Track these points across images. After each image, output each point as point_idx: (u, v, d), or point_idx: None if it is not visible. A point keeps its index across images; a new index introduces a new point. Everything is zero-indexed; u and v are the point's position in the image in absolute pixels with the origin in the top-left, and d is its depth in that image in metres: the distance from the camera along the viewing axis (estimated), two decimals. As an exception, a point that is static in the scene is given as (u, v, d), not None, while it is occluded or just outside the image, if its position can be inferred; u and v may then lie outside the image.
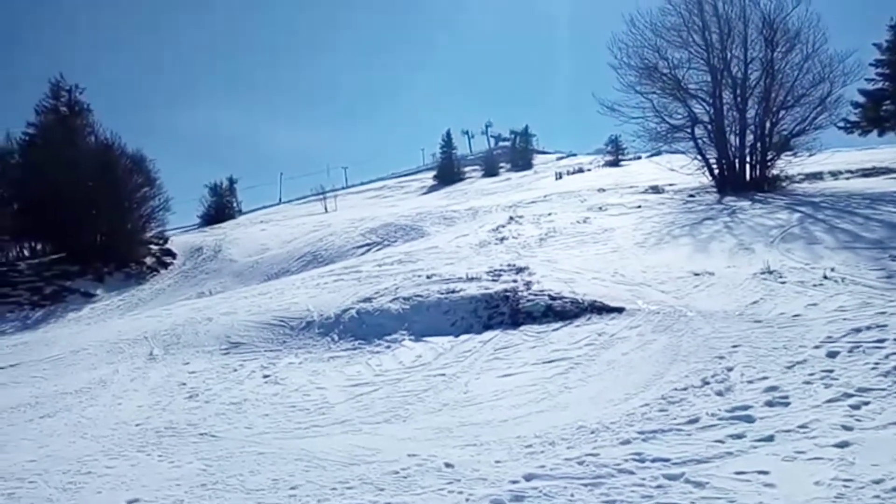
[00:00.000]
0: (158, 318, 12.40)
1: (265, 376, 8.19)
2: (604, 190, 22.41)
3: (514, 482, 4.40)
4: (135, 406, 7.68)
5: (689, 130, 20.08)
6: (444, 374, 7.27)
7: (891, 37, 22.37)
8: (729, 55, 19.46)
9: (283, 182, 66.56)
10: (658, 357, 6.64)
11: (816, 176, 19.90)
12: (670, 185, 20.97)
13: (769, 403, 5.10)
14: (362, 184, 51.99)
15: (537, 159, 50.96)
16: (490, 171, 46.63)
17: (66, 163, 23.76)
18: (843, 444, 4.26)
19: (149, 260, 24.17)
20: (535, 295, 9.12)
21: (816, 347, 6.09)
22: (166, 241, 26.43)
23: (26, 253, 26.56)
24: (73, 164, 23.94)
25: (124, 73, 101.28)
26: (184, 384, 8.30)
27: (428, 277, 10.81)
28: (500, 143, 58.24)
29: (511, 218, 16.88)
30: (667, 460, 4.42)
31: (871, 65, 21.99)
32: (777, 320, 7.13)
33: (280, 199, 51.83)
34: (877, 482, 3.75)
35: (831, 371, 5.51)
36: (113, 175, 25.02)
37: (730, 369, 5.93)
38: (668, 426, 5.00)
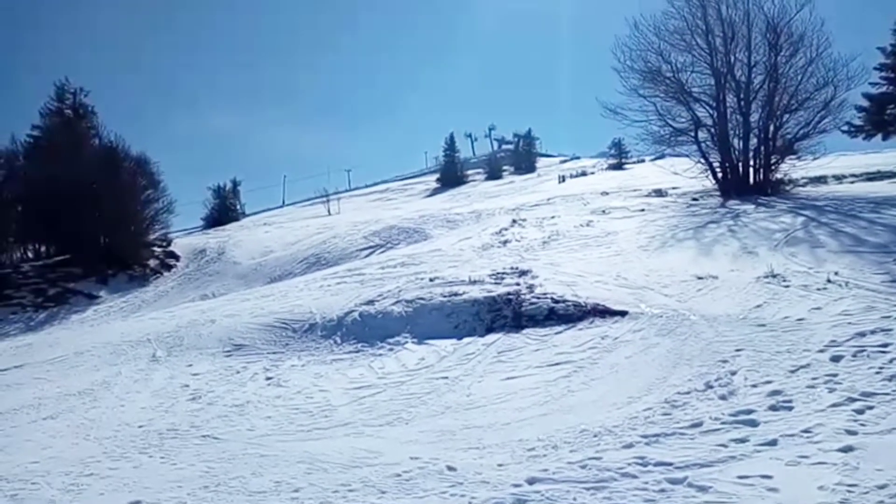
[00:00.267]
0: (161, 321, 12.41)
1: (268, 378, 8.19)
2: (607, 193, 22.39)
3: (517, 486, 4.39)
4: (137, 408, 7.69)
5: (692, 134, 20.06)
6: (446, 377, 7.26)
7: (895, 41, 22.31)
8: (732, 59, 19.43)
9: (287, 184, 66.71)
10: (661, 361, 6.62)
11: (820, 180, 19.84)
12: (674, 188, 20.94)
13: (773, 407, 5.09)
14: (366, 186, 52.01)
15: (540, 162, 50.92)
16: (493, 175, 46.58)
17: (70, 165, 23.84)
18: (847, 449, 4.25)
19: (152, 262, 24.23)
20: (538, 298, 9.11)
21: (820, 351, 6.08)
22: (170, 243, 26.48)
23: (30, 255, 26.66)
24: (77, 167, 24.02)
25: (129, 75, 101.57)
26: (186, 386, 8.30)
27: (431, 280, 10.80)
28: (504, 147, 58.19)
29: (514, 221, 16.86)
30: (670, 464, 4.41)
31: (875, 69, 21.92)
32: (781, 324, 7.11)
33: (283, 202, 51.86)
34: (881, 487, 3.74)
35: (835, 375, 5.49)
36: (117, 177, 25.12)
37: (733, 373, 5.91)
38: (672, 430, 4.99)
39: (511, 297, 9.33)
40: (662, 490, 4.09)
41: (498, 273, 10.70)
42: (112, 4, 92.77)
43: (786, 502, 3.76)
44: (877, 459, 4.06)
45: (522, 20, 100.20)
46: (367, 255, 19.35)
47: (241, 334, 10.03)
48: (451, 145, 49.32)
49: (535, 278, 10.08)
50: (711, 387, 5.71)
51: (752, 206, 15.84)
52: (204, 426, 6.71)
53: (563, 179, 35.94)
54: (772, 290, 8.53)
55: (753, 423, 4.88)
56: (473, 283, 10.25)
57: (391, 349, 8.57)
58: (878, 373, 5.39)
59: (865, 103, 22.24)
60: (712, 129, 19.92)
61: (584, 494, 4.16)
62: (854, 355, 5.85)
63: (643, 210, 16.85)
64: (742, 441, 4.62)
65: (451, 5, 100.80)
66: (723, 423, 4.97)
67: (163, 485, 5.22)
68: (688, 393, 5.68)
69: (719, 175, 19.80)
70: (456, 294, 9.78)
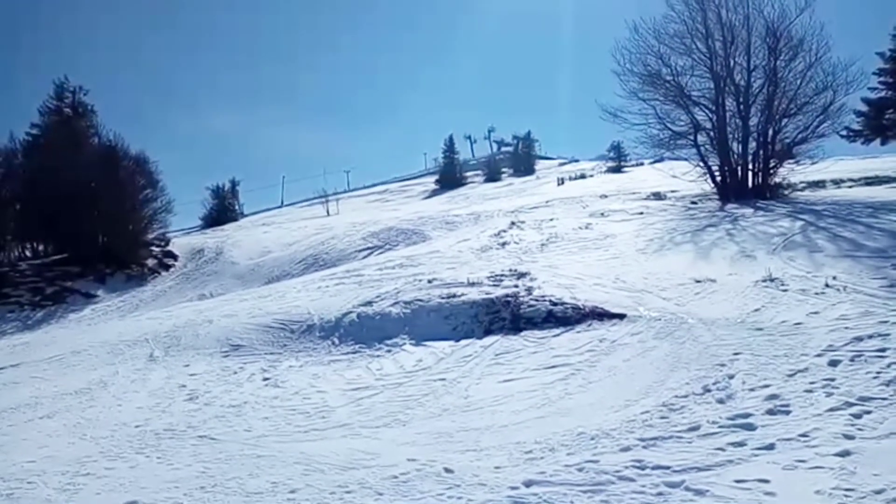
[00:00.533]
0: (159, 320, 12.40)
1: (265, 379, 8.19)
2: (606, 196, 22.39)
3: (514, 488, 4.39)
4: (134, 408, 7.68)
5: (691, 137, 20.06)
6: (444, 379, 7.26)
7: (894, 46, 22.37)
8: (732, 63, 19.44)
9: (286, 185, 66.74)
10: (659, 364, 6.62)
11: (819, 184, 19.87)
12: (672, 191, 20.96)
13: (770, 412, 5.09)
14: (364, 187, 52.02)
15: (539, 165, 50.96)
16: (492, 176, 46.63)
17: (69, 164, 23.85)
18: (844, 454, 4.25)
19: (150, 261, 24.22)
20: (537, 300, 9.11)
21: (818, 356, 6.08)
22: (168, 242, 26.47)
23: (28, 253, 26.64)
24: (76, 166, 24.02)
25: (128, 74, 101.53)
26: (184, 386, 8.30)
27: (429, 282, 10.80)
28: (503, 149, 58.22)
29: (513, 223, 16.86)
30: (667, 468, 4.40)
31: (874, 73, 21.99)
32: (779, 328, 7.11)
33: (282, 202, 51.85)
34: (878, 492, 3.74)
35: (833, 380, 5.49)
36: (116, 176, 25.11)
37: (731, 377, 5.91)
38: (669, 433, 4.99)
39: (509, 299, 9.33)
40: (660, 493, 4.08)
41: (496, 275, 10.70)
42: (110, 3, 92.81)
43: (783, 507, 3.76)
44: (874, 464, 4.06)
45: (522, 21, 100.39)
46: (365, 257, 19.35)
47: (238, 335, 10.02)
48: (450, 147, 49.39)
49: (533, 280, 10.09)
50: (709, 390, 5.71)
51: (751, 210, 15.85)
52: (201, 426, 6.70)
53: (561, 182, 35.97)
54: (770, 294, 8.53)
55: (751, 427, 4.87)
56: (472, 284, 10.25)
57: (389, 350, 8.57)
58: (875, 377, 5.39)
59: (864, 108, 22.31)
60: (711, 133, 19.93)
61: (580, 497, 4.16)
62: (852, 360, 5.85)
63: (642, 213, 16.86)
64: (739, 445, 4.62)
65: (451, 6, 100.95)
66: (720, 426, 4.96)
67: (159, 485, 5.21)
68: (685, 396, 5.68)
69: (718, 179, 19.81)
70: (454, 296, 9.78)
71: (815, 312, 7.49)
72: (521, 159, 51.79)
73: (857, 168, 23.26)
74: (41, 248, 26.35)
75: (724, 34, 19.32)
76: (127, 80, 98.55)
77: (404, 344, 8.69)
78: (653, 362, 6.72)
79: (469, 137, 59.94)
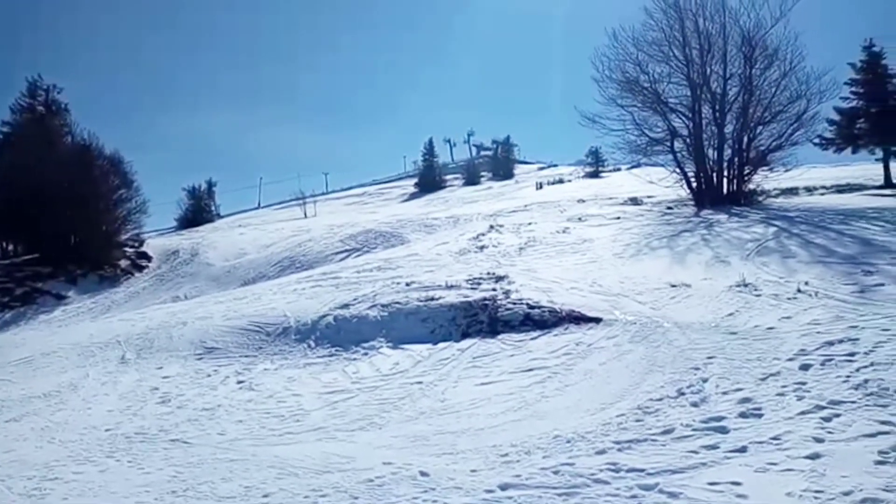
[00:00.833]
0: (131, 322, 12.21)
1: (239, 382, 8.09)
2: (583, 201, 22.55)
3: (490, 491, 4.39)
4: (105, 411, 7.55)
5: (668, 144, 20.30)
6: (421, 382, 7.24)
7: (865, 57, 22.82)
8: (708, 70, 19.73)
9: (263, 186, 66.20)
10: (634, 367, 6.67)
11: (792, 191, 20.21)
12: (649, 197, 21.16)
13: (743, 415, 5.15)
14: (343, 190, 51.81)
15: (518, 169, 51.16)
16: (471, 180, 46.72)
17: (41, 163, 23.41)
18: (814, 456, 4.31)
19: (123, 262, 23.85)
20: (514, 304, 9.13)
21: (790, 360, 6.17)
22: (142, 243, 26.08)
23: (-3, 253, 26.08)
24: (48, 164, 23.58)
25: (103, 73, 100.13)
26: (156, 389, 8.17)
27: (407, 285, 10.77)
28: (482, 153, 58.38)
29: (491, 227, 16.90)
30: (641, 470, 4.43)
31: (845, 83, 22.41)
32: (752, 332, 7.21)
33: (259, 204, 51.44)
34: (846, 494, 3.80)
35: (804, 383, 5.57)
36: (89, 176, 24.70)
37: (705, 380, 5.97)
38: (644, 436, 5.02)
39: (487, 302, 9.34)
40: (634, 496, 4.11)
41: (474, 278, 10.70)
42: (87, 1, 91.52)
43: (754, 509, 3.80)
44: (843, 466, 4.12)
45: (503, 28, 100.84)
46: (342, 259, 19.24)
47: (213, 337, 9.90)
48: (429, 150, 49.41)
49: (511, 284, 10.11)
50: (683, 394, 5.76)
51: (726, 216, 16.06)
52: (173, 430, 6.60)
53: (540, 186, 36.16)
54: (743, 298, 8.64)
55: (724, 430, 4.92)
56: (450, 288, 10.24)
57: (366, 354, 8.52)
58: (845, 381, 5.48)
59: (836, 117, 22.72)
60: (688, 140, 20.18)
61: (556, 500, 4.16)
62: (822, 364, 5.94)
63: (619, 218, 17.00)
64: (712, 448, 4.66)
65: (437, 14, 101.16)
66: (694, 429, 5.01)
67: (129, 489, 5.13)
68: (660, 399, 5.72)
69: (694, 185, 20.06)
70: (432, 299, 9.76)
71: (788, 317, 7.60)
72: (500, 163, 51.95)
73: (829, 176, 23.74)
74: (11, 247, 25.82)
75: (700, 42, 19.60)
76: (102, 78, 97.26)
77: (381, 347, 8.65)
78: (628, 366, 6.76)
79: (448, 141, 60.05)
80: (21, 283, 21.23)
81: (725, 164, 19.85)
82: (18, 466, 5.83)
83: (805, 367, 5.92)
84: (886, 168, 22.00)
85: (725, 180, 19.83)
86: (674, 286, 9.61)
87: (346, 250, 20.80)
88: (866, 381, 5.39)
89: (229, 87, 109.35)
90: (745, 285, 9.15)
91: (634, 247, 13.06)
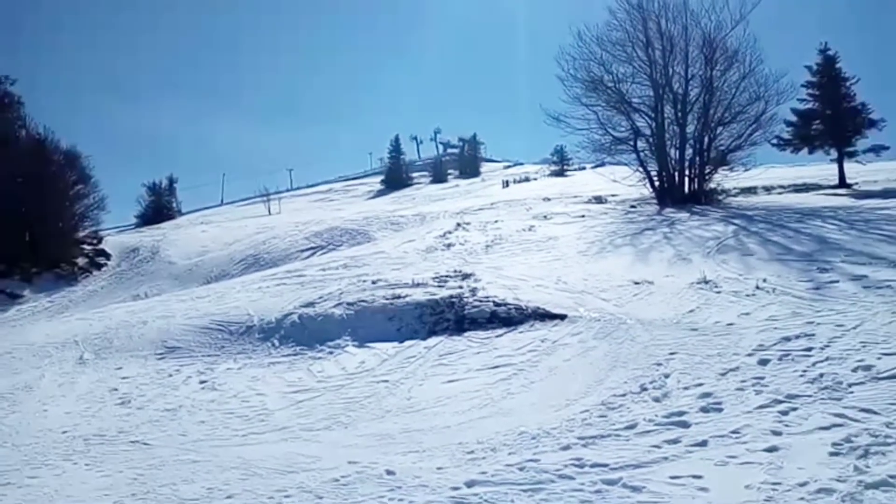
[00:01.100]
0: (90, 322, 11.91)
1: (202, 382, 7.96)
2: (549, 199, 22.73)
3: (456, 489, 4.39)
4: (62, 412, 7.35)
5: (631, 143, 20.59)
6: (387, 381, 7.21)
7: (821, 60, 23.48)
8: (671, 71, 20.06)
9: (226, 183, 65.17)
10: (599, 363, 6.75)
11: (751, 190, 20.68)
12: (613, 195, 21.44)
13: (704, 409, 5.25)
14: (308, 186, 51.41)
15: (485, 167, 51.44)
16: (438, 178, 46.84)
17: (-7, 157, 22.62)
18: (772, 449, 4.41)
19: (81, 260, 23.20)
20: (481, 301, 9.16)
21: (749, 355, 6.30)
22: (100, 241, 25.42)
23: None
24: (1, 160, 22.80)
25: (58, 67, 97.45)
26: (115, 390, 7.99)
27: (373, 282, 10.72)
28: (449, 150, 58.53)
29: (458, 224, 16.92)
30: (605, 465, 4.48)
31: (802, 86, 23.05)
32: (712, 328, 7.35)
33: (222, 201, 50.76)
34: (802, 485, 3.90)
35: (762, 378, 5.70)
36: (45, 171, 23.94)
37: (667, 376, 6.07)
38: (608, 432, 5.08)
39: (454, 300, 9.35)
40: (598, 491, 4.15)
41: (441, 276, 10.70)
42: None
43: (715, 501, 3.88)
44: (799, 459, 4.23)
45: (470, 26, 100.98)
46: (308, 257, 19.06)
47: (174, 336, 9.72)
48: (396, 147, 49.40)
49: (477, 282, 10.14)
50: (646, 389, 5.85)
51: (687, 215, 16.35)
52: (133, 431, 6.47)
53: (506, 184, 36.40)
54: (704, 295, 8.81)
55: (685, 425, 5.01)
56: (416, 285, 10.23)
57: (331, 352, 8.45)
58: (801, 375, 5.63)
59: (793, 118, 23.32)
60: (650, 139, 20.50)
61: (521, 496, 4.19)
62: (780, 359, 6.09)
63: (583, 216, 17.17)
64: (674, 442, 4.75)
65: (400, 8, 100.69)
66: (656, 424, 5.09)
67: (88, 493, 5.01)
68: (623, 395, 5.80)
69: (656, 183, 20.38)
70: (399, 297, 9.73)
71: (747, 313, 7.78)
72: (466, 161, 52.16)
73: (786, 175, 24.38)
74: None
75: (663, 43, 19.91)
76: (59, 72, 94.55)
77: (347, 345, 8.59)
78: (592, 362, 6.84)
79: (415, 138, 60.12)
80: (-28, 281, 20.51)
81: (687, 164, 20.22)
82: (-31, 471, 5.63)
83: (763, 363, 6.06)
84: (841, 168, 22.68)
85: (687, 179, 20.20)
86: (637, 283, 9.74)
87: (312, 248, 20.62)
88: (822, 375, 5.54)
89: (190, 84, 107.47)
90: (706, 282, 9.33)
91: (599, 244, 13.22)
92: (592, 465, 4.50)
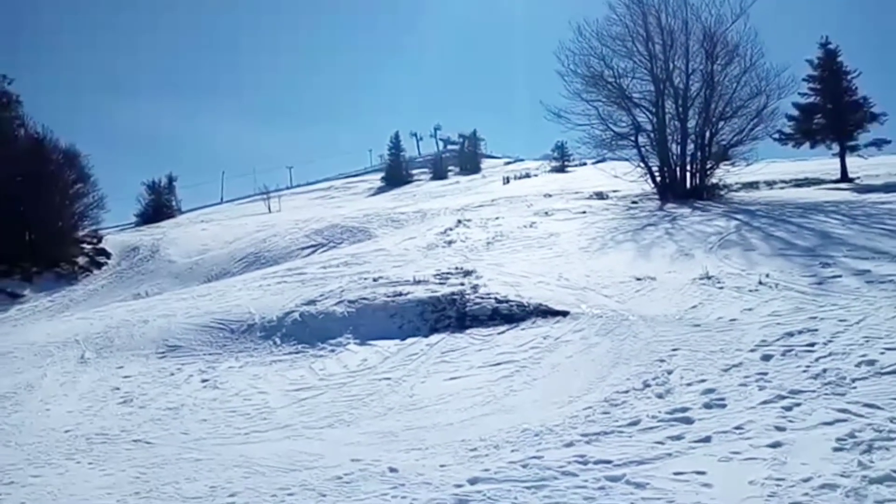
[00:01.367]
0: (91, 321, 11.90)
1: (204, 380, 7.95)
2: (550, 195, 22.69)
3: (459, 486, 4.38)
4: (64, 412, 7.34)
5: (632, 138, 20.55)
6: (389, 378, 7.20)
7: (822, 54, 23.42)
8: (671, 66, 20.00)
9: (226, 181, 65.05)
10: (601, 360, 6.74)
11: (753, 185, 20.65)
12: (614, 191, 21.41)
13: (707, 405, 5.23)
14: (308, 184, 51.32)
15: (485, 163, 51.31)
16: (438, 175, 46.70)
17: (-8, 157, 22.59)
18: (776, 445, 4.40)
19: (81, 260, 23.18)
20: (482, 298, 9.15)
21: (752, 351, 6.29)
22: (100, 240, 25.39)
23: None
24: (0, 159, 22.76)
25: (66, 65, 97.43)
26: (117, 389, 7.99)
27: (375, 280, 10.71)
28: (449, 147, 58.39)
29: (459, 221, 16.90)
30: (608, 462, 4.47)
31: (803, 80, 22.98)
32: (715, 324, 7.34)
33: (222, 199, 50.70)
34: (806, 480, 3.89)
35: (765, 374, 5.69)
36: (44, 170, 23.90)
37: (669, 372, 6.06)
38: (611, 428, 5.07)
39: (455, 297, 9.33)
40: (601, 488, 4.14)
41: (442, 273, 10.69)
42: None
43: (719, 497, 3.86)
44: (803, 454, 4.22)
45: (471, 22, 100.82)
46: (308, 255, 19.05)
47: (175, 335, 9.71)
48: (396, 144, 49.21)
49: (479, 278, 10.12)
50: (649, 385, 5.83)
51: (689, 210, 16.32)
52: (135, 430, 6.46)
53: (507, 181, 36.31)
54: (706, 291, 8.79)
55: (689, 421, 5.00)
56: (418, 283, 10.21)
57: (333, 350, 8.45)
58: (805, 371, 5.62)
59: (795, 112, 23.27)
60: (651, 135, 20.46)
61: (524, 493, 4.18)
62: (783, 354, 6.08)
63: (584, 212, 17.15)
64: (678, 438, 4.73)
65: (401, 6, 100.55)
66: (660, 420, 5.07)
67: (90, 492, 5.00)
68: (626, 392, 5.79)
69: (658, 179, 20.34)
70: (400, 294, 9.71)
71: (749, 309, 7.76)
72: (467, 158, 52.03)
73: (788, 170, 24.31)
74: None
75: (663, 38, 19.85)
76: (59, 71, 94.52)
77: (349, 343, 8.58)
78: (595, 359, 6.83)
79: (415, 135, 59.99)
80: (-27, 281, 20.50)
81: (688, 159, 20.18)
82: (-28, 471, 5.63)
83: (766, 358, 6.05)
84: (842, 162, 22.63)
85: (688, 175, 20.17)
86: (639, 279, 9.73)
87: (312, 246, 20.59)
88: (825, 370, 5.53)
89: (189, 83, 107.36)
90: (709, 278, 9.31)
91: (600, 241, 13.20)
92: (596, 462, 4.49)
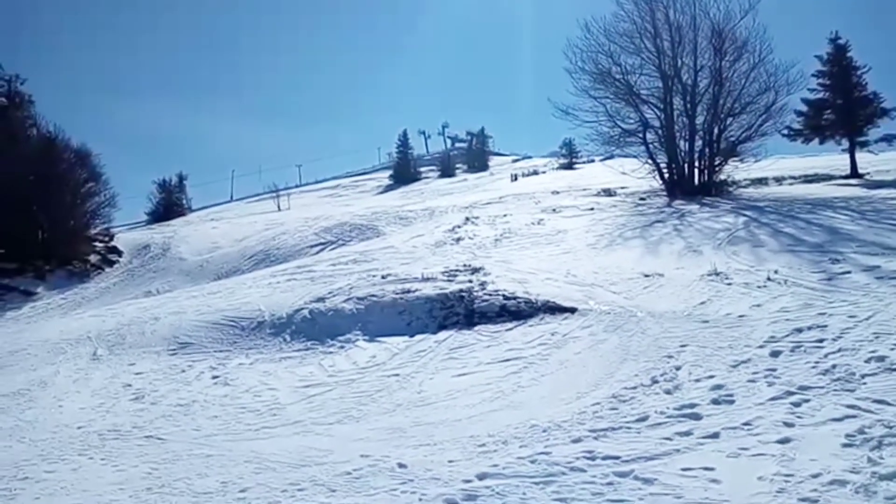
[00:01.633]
0: (103, 318, 12.01)
1: (214, 377, 8.02)
2: (558, 192, 22.67)
3: (468, 481, 4.40)
4: (77, 408, 7.42)
5: (640, 135, 20.50)
6: (398, 375, 7.24)
7: (831, 49, 23.25)
8: (679, 62, 19.94)
9: (235, 180, 65.29)
10: (609, 356, 6.74)
11: (761, 181, 20.54)
12: (622, 188, 21.36)
13: (715, 401, 5.23)
14: (316, 182, 51.45)
15: (493, 161, 51.29)
16: (446, 172, 46.71)
17: (5, 156, 22.78)
18: (784, 441, 4.40)
19: (93, 258, 23.35)
20: (490, 295, 9.16)
21: (760, 347, 6.28)
22: (112, 238, 25.57)
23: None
24: (12, 158, 22.96)
25: (72, 65, 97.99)
26: (129, 385, 8.06)
27: (383, 277, 10.75)
28: (457, 144, 58.43)
29: (467, 218, 16.92)
30: (617, 458, 4.48)
31: (812, 75, 22.83)
32: (723, 320, 7.32)
33: (232, 197, 50.89)
34: (815, 476, 3.88)
35: (774, 370, 5.68)
36: (56, 170, 24.10)
37: (678, 368, 6.06)
38: (619, 424, 5.08)
39: (463, 294, 9.36)
40: (610, 483, 4.15)
41: (451, 270, 10.71)
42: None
43: (727, 493, 3.86)
44: (812, 450, 4.21)
45: (478, 20, 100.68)
46: (317, 252, 19.10)
47: (186, 332, 9.79)
48: (404, 142, 49.27)
49: (487, 275, 10.14)
50: (657, 381, 5.84)
51: (697, 206, 16.27)
52: (147, 426, 6.52)
53: (515, 178, 36.27)
54: (715, 287, 8.78)
55: (697, 417, 5.00)
56: (426, 280, 10.24)
57: (342, 347, 8.49)
58: (813, 367, 5.60)
59: (804, 108, 23.11)
60: (659, 131, 20.40)
61: (533, 489, 4.20)
62: (792, 350, 6.06)
63: (592, 209, 17.14)
64: (686, 434, 4.74)
65: (407, 4, 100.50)
66: (668, 416, 5.08)
67: (103, 487, 5.06)
68: (634, 388, 5.79)
69: (666, 175, 20.28)
70: (408, 291, 9.75)
71: (758, 305, 7.74)
72: (475, 155, 52.03)
73: (797, 166, 24.16)
74: (-25, 244, 25.12)
75: (671, 34, 19.79)
76: (71, 71, 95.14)
77: (357, 340, 8.62)
78: (603, 355, 6.84)
79: (423, 133, 60.01)
80: (-14, 279, 20.70)
81: (697, 155, 20.11)
82: (-13, 466, 5.71)
83: (775, 354, 6.04)
84: (852, 158, 22.46)
85: (697, 171, 20.10)
86: (647, 276, 9.72)
87: (321, 243, 20.65)
88: (834, 366, 5.52)
89: (190, 83, 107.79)
90: (717, 274, 9.30)
91: (608, 237, 13.19)
92: (604, 458, 4.50)
